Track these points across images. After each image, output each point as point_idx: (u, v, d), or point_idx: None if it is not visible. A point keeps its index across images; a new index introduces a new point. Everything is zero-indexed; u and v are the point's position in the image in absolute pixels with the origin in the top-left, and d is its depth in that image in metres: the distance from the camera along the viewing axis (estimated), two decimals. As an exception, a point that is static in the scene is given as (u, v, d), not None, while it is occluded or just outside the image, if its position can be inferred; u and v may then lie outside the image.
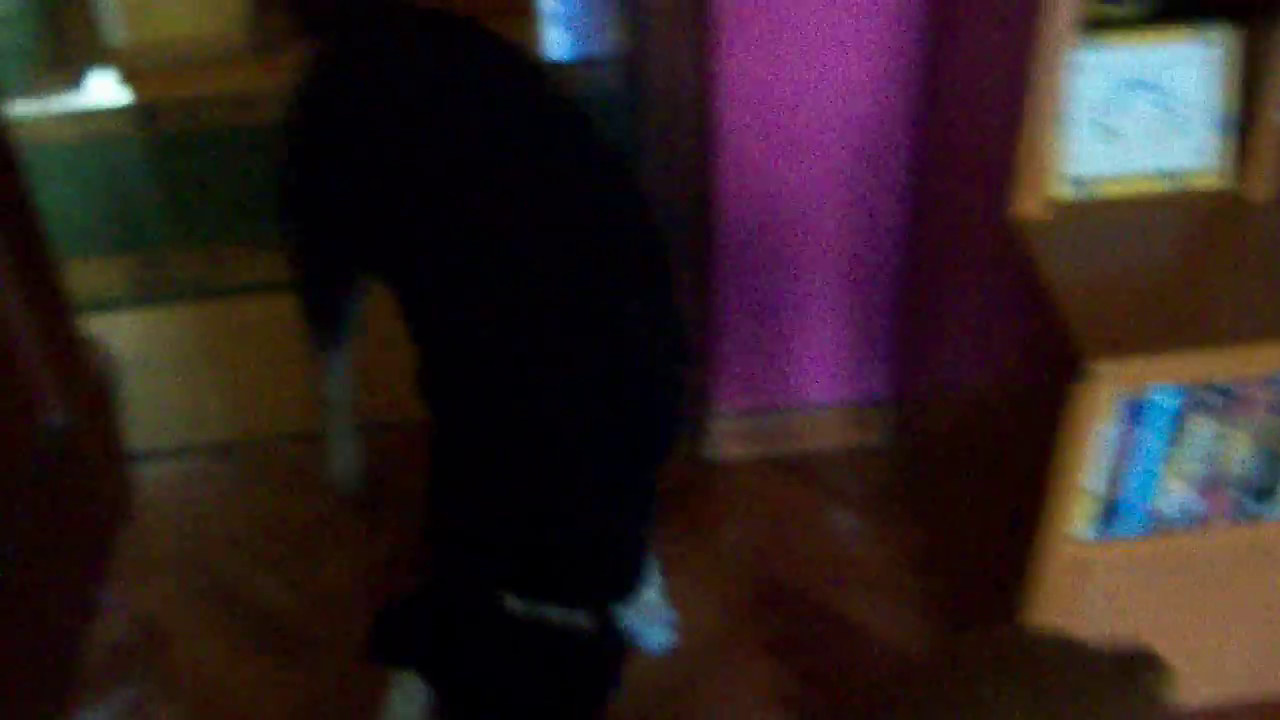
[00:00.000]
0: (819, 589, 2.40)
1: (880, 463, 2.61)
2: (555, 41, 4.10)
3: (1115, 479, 1.81)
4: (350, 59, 2.10)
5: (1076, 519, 1.85)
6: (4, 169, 2.25)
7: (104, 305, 3.05)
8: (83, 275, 3.09)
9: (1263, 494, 1.85)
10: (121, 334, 2.98)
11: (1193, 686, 2.11)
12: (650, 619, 2.31)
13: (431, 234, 1.84)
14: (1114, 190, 1.90)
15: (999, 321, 1.98)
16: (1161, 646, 2.07)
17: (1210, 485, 1.84)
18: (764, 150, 2.27)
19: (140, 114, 3.83)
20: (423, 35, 2.08)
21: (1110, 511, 1.85)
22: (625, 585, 1.86)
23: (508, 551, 1.75)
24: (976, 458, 2.15)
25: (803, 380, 2.56)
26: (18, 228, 2.27)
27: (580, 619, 1.77)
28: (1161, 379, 1.70)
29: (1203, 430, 1.77)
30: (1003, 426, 2.00)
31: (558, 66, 3.91)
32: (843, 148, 2.27)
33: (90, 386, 2.55)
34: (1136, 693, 1.32)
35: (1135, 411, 1.74)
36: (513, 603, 1.73)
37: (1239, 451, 1.81)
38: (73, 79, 4.01)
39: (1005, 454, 1.99)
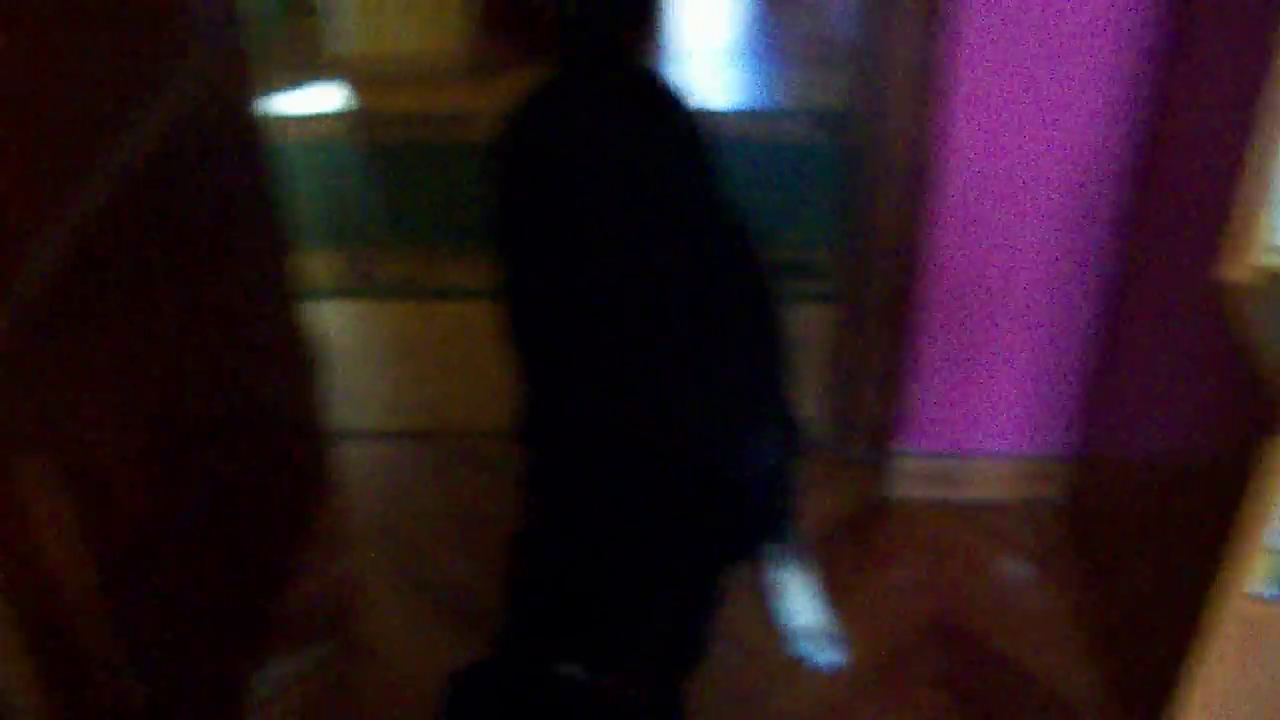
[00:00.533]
0: (985, 630, 2.46)
1: (1055, 516, 2.66)
2: (752, 90, 4.23)
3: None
4: (541, 109, 2.27)
5: (1257, 576, 1.90)
6: (257, 163, 2.43)
7: (317, 294, 3.21)
8: (298, 265, 3.26)
9: None
10: (331, 321, 3.15)
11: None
12: (820, 639, 2.39)
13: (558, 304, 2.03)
14: (1320, 262, 1.95)
15: (1194, 379, 2.03)
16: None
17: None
18: (980, 203, 2.35)
19: (361, 121, 4.03)
20: (611, 101, 2.27)
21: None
22: (682, 666, 1.94)
23: (571, 621, 1.83)
24: (1156, 513, 2.20)
25: (987, 428, 2.63)
26: (262, 216, 2.44)
27: (636, 691, 1.85)
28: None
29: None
30: (1189, 482, 2.05)
31: (753, 115, 4.03)
32: (1055, 204, 2.34)
33: (303, 364, 2.71)
34: None
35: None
36: (569, 669, 1.79)
37: None
38: (300, 82, 4.23)
39: (1189, 509, 2.04)
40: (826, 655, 2.39)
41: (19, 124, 1.60)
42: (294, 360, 2.65)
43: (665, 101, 2.32)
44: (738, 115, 4.00)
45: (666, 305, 1.98)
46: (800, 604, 2.40)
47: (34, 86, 1.64)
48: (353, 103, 4.14)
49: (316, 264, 3.36)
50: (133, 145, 1.89)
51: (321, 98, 4.16)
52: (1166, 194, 2.17)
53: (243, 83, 2.35)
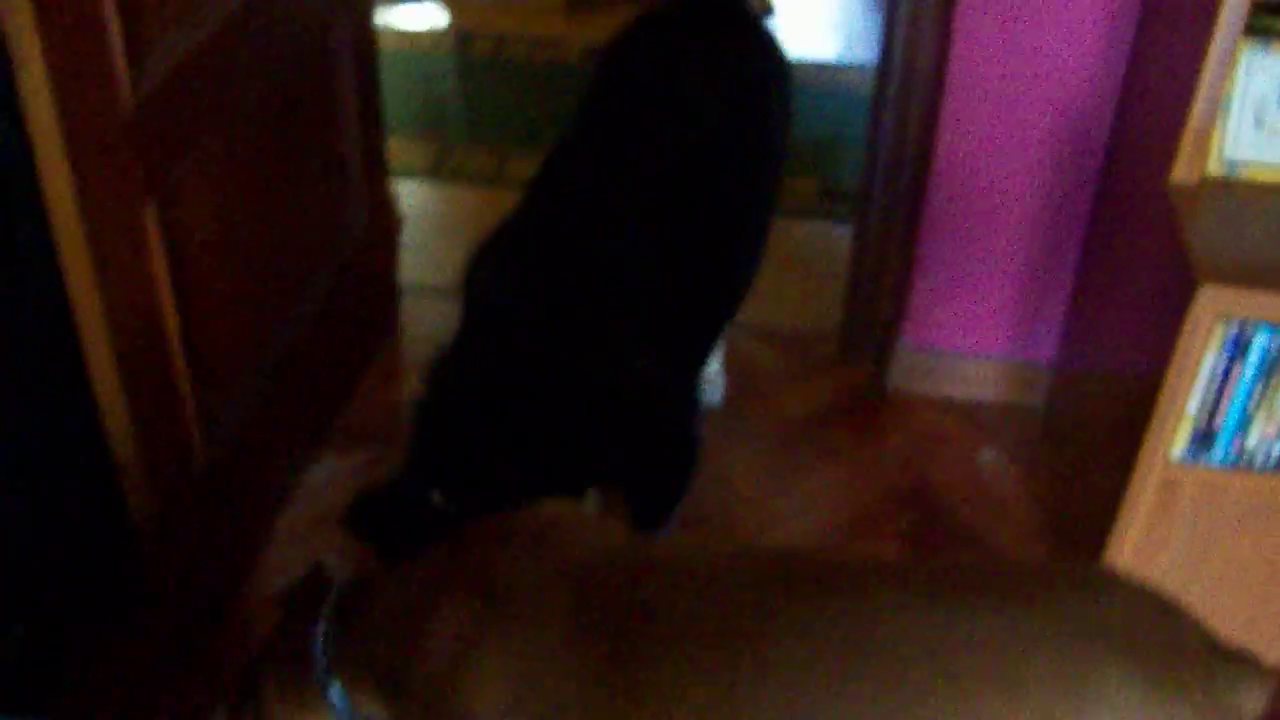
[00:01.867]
0: (954, 503, 2.78)
1: (1034, 420, 2.96)
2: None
3: (1213, 408, 2.15)
4: (633, 39, 2.56)
5: (1176, 441, 2.19)
6: (368, 63, 2.84)
7: (405, 174, 3.58)
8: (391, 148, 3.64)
9: (1339, 451, 2.17)
10: (418, 197, 3.53)
11: (1265, 640, 2.41)
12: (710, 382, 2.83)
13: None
14: (1260, 175, 2.24)
15: (1146, 279, 2.33)
16: (1234, 589, 2.39)
17: (1295, 435, 2.17)
18: (981, 124, 2.67)
19: (458, 37, 4.40)
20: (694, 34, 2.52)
21: (1204, 437, 2.18)
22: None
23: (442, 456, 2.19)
24: (1113, 413, 2.50)
25: (980, 331, 2.94)
26: (368, 104, 2.83)
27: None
28: (1261, 314, 2.03)
29: (1293, 378, 2.11)
30: (1137, 378, 2.35)
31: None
32: (1050, 126, 2.65)
33: (386, 225, 3.08)
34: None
35: (1237, 346, 2.08)
36: (437, 496, 2.14)
37: (1324, 406, 2.13)
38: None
39: (1131, 389, 2.33)
40: (713, 396, 2.84)
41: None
42: (379, 220, 3.01)
43: (754, 40, 2.57)
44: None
45: (650, 217, 2.28)
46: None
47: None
48: (451, 20, 4.51)
49: (412, 149, 3.73)
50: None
51: (425, 14, 4.54)
52: (1141, 115, 2.47)
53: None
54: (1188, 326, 2.06)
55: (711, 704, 1.41)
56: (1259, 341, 2.08)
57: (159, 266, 2.05)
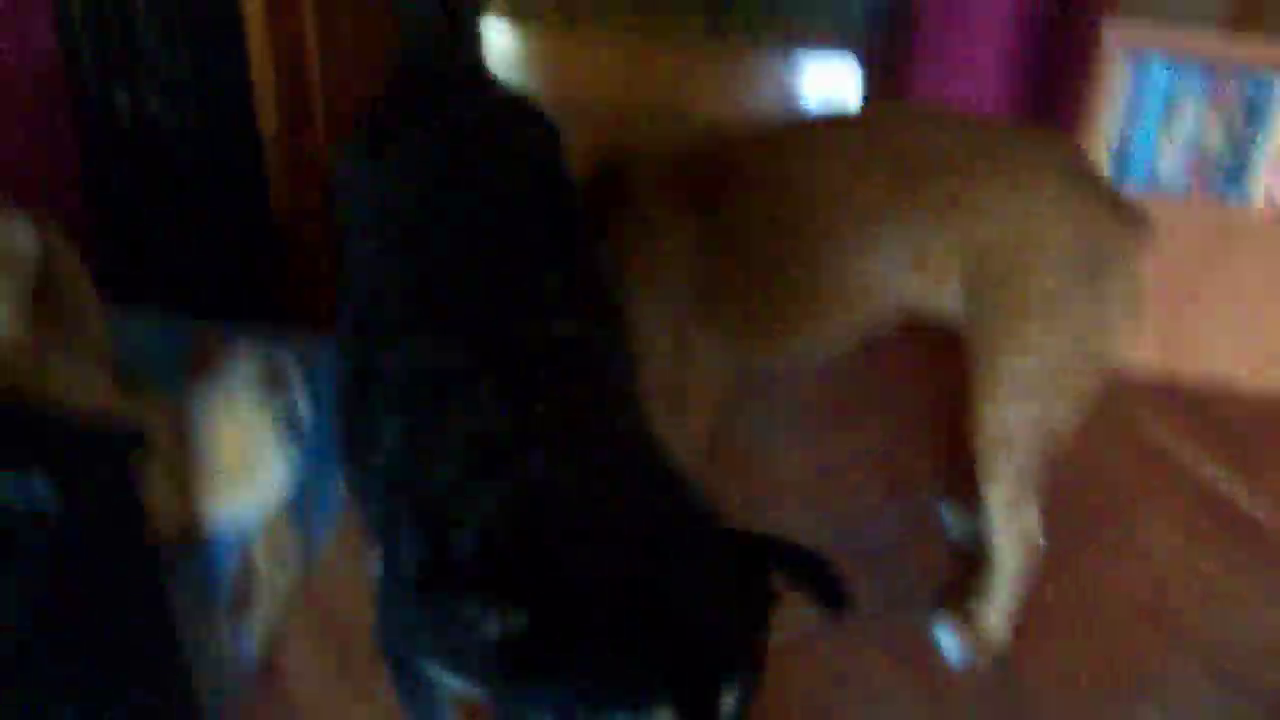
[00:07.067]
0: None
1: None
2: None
3: (1126, 136, 2.67)
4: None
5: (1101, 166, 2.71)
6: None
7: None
8: None
9: (1230, 176, 2.69)
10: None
11: (1178, 359, 2.93)
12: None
13: None
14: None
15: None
16: (1157, 311, 2.85)
17: (1194, 162, 2.68)
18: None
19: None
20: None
21: (1122, 160, 2.70)
22: None
23: None
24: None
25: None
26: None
27: None
28: (1158, 45, 2.57)
29: (1189, 109, 2.62)
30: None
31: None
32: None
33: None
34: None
35: (1140, 79, 2.61)
36: None
37: (1215, 137, 2.64)
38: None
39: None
40: None
41: None
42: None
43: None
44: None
45: None
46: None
47: None
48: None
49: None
50: None
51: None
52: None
53: None
54: (1098, 60, 2.60)
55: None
56: (1157, 77, 2.59)
57: (310, 27, 2.67)
